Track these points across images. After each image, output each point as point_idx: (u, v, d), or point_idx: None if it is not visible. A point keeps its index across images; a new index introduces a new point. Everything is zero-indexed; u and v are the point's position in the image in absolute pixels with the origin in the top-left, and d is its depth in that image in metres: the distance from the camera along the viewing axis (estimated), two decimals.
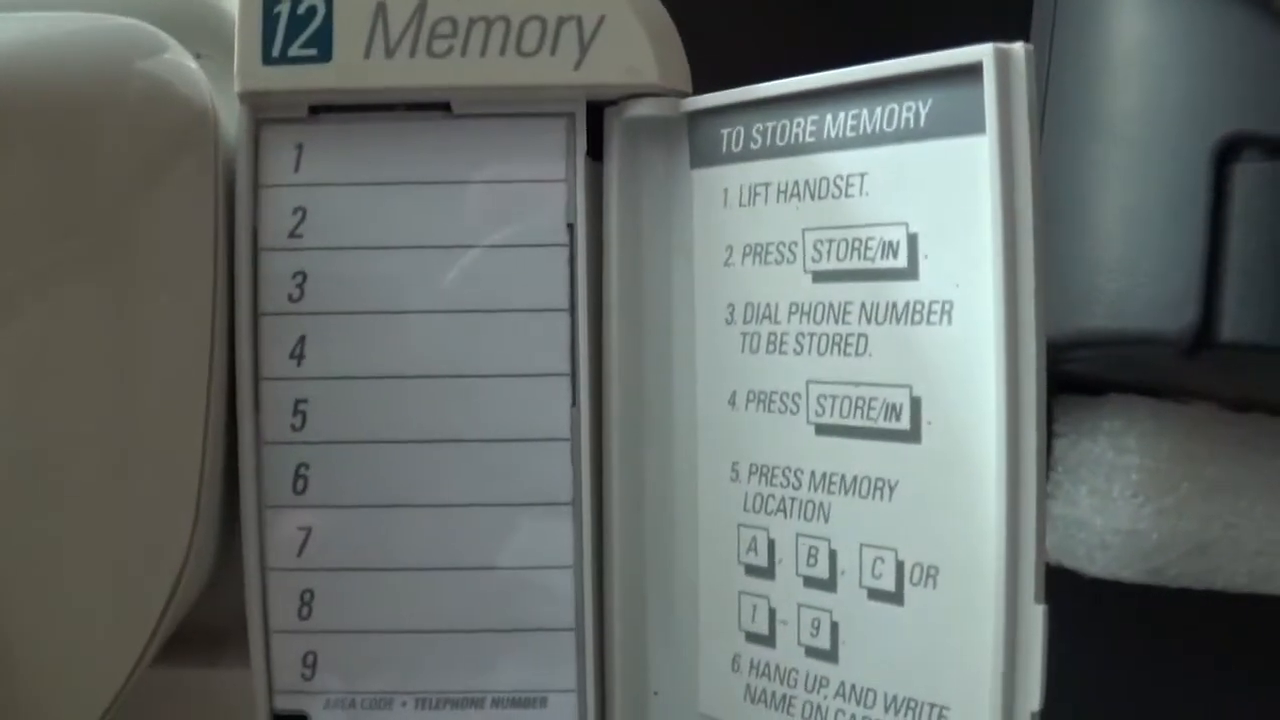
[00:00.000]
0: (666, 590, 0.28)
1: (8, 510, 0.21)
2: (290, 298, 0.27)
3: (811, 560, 0.25)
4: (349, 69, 0.26)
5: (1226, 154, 0.29)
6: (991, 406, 0.23)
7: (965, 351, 0.23)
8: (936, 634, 0.24)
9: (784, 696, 0.26)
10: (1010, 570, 0.22)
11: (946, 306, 0.23)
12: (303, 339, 0.27)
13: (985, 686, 0.23)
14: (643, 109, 0.26)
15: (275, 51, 0.26)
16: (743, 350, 0.26)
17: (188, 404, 0.26)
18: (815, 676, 0.25)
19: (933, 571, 0.24)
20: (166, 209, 0.25)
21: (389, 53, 0.26)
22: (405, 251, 0.27)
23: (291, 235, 0.27)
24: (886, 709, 0.24)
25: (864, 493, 0.25)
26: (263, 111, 0.26)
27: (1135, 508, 0.34)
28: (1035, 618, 0.22)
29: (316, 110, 0.27)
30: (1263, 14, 0.29)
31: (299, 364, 0.27)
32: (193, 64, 0.26)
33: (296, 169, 0.27)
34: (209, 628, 0.28)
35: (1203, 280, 0.29)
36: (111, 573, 0.24)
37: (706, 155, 0.26)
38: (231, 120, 0.27)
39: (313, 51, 0.26)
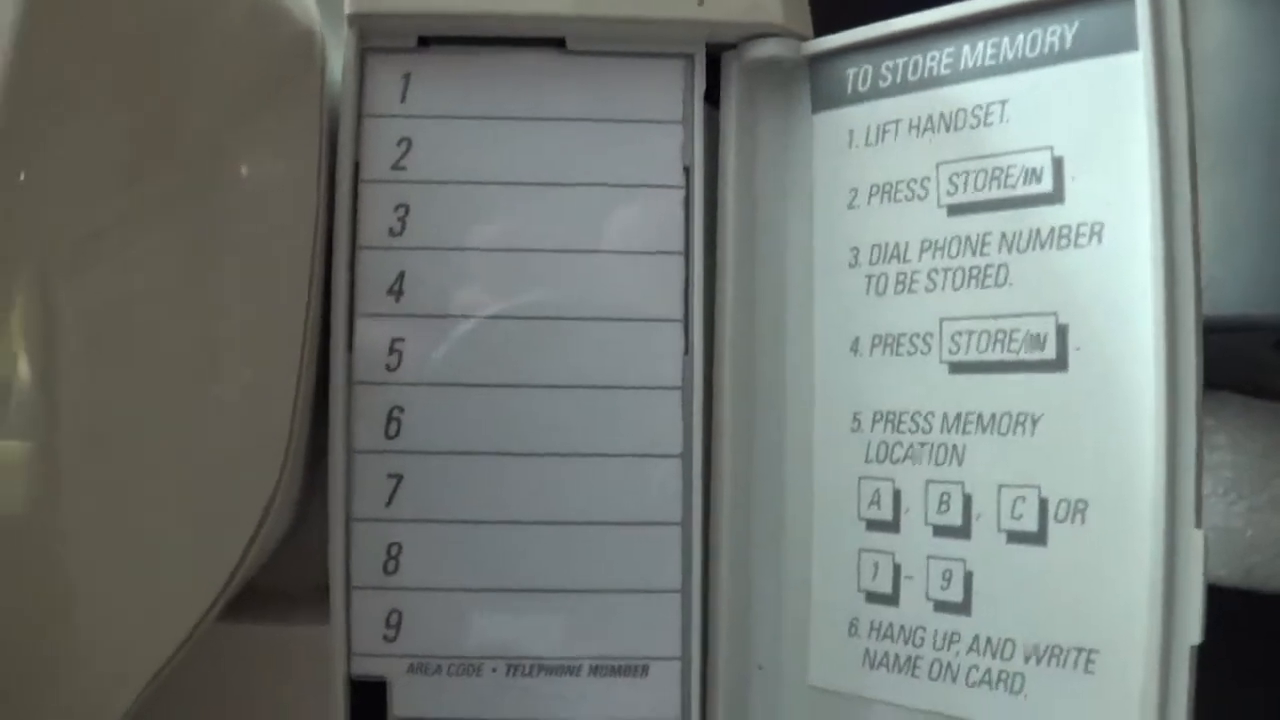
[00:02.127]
0: (775, 553, 0.27)
1: (89, 452, 0.20)
2: (391, 231, 0.26)
3: (943, 507, 0.25)
4: None
5: None
6: (1145, 328, 0.23)
7: (1117, 272, 0.23)
8: (1084, 573, 0.23)
9: (909, 658, 0.25)
10: (1170, 495, 0.22)
11: (1096, 228, 0.23)
12: (402, 275, 0.26)
13: (1139, 623, 0.22)
14: (765, 49, 0.26)
15: None
16: (867, 293, 0.26)
17: (283, 344, 0.25)
18: (945, 632, 0.25)
19: (1081, 506, 0.23)
20: (270, 139, 0.25)
21: None
22: (513, 188, 0.27)
23: (395, 167, 0.26)
24: (1027, 658, 0.24)
25: (1004, 430, 0.24)
26: (370, 39, 0.26)
27: (1227, 505, 0.33)
28: (1196, 543, 0.22)
29: (425, 42, 0.27)
30: None
31: (398, 300, 0.26)
32: None
33: (403, 99, 0.27)
34: (284, 585, 0.27)
35: None
36: (192, 520, 0.23)
37: (830, 98, 0.27)
38: (333, 51, 0.27)
39: None
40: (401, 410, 0.26)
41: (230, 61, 0.24)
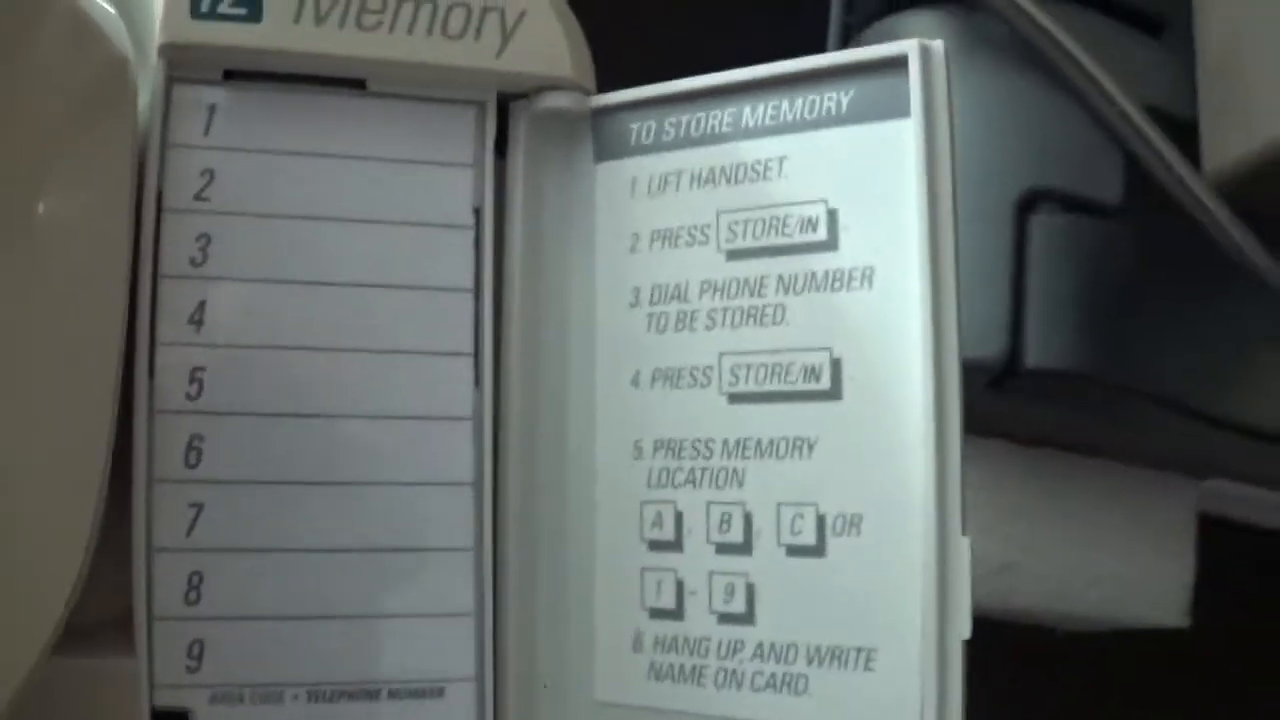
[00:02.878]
0: (560, 577, 0.29)
1: None
2: (192, 261, 0.27)
3: (724, 527, 0.27)
4: (277, 31, 0.27)
5: (1026, 207, 0.34)
6: (913, 360, 0.26)
7: (886, 311, 0.26)
8: (861, 579, 0.26)
9: (694, 668, 0.27)
10: (940, 506, 0.25)
11: (868, 272, 0.26)
12: (203, 304, 0.27)
13: (913, 623, 0.25)
14: (554, 101, 0.29)
15: (204, 7, 0.27)
16: (649, 330, 0.28)
17: (96, 378, 0.25)
18: (730, 642, 0.27)
19: (856, 520, 0.26)
20: (82, 170, 0.25)
21: (319, 20, 0.27)
22: (312, 222, 0.28)
23: (197, 198, 0.27)
24: (810, 660, 0.26)
25: (781, 453, 0.27)
26: (178, 69, 0.27)
27: None
28: (964, 549, 0.25)
29: (231, 76, 0.27)
30: (1054, 85, 0.34)
31: (198, 330, 0.27)
32: (110, 7, 0.26)
33: (207, 132, 0.27)
34: (83, 616, 0.26)
35: (1009, 316, 0.34)
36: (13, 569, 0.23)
37: (613, 149, 0.29)
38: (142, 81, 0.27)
39: (243, 11, 0.27)
40: (202, 439, 0.27)
41: (44, 90, 0.24)
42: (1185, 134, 0.35)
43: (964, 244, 0.27)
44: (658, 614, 0.28)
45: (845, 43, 0.39)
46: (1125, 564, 0.39)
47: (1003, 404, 0.32)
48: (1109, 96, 0.34)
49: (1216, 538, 0.41)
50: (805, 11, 0.42)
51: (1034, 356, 0.34)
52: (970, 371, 0.28)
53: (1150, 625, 0.40)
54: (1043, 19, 0.35)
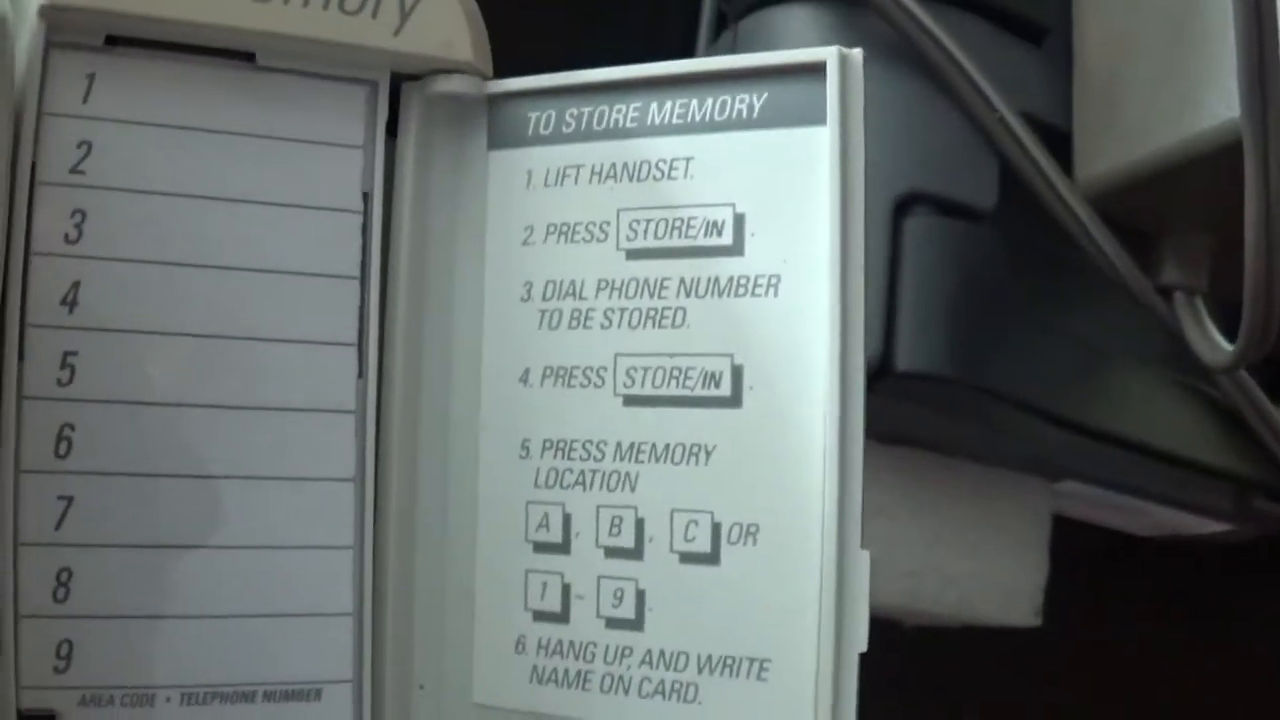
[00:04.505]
0: (439, 576, 0.29)
1: None
2: (67, 238, 0.26)
3: (615, 530, 0.27)
4: None
5: (901, 209, 0.35)
6: (816, 371, 0.26)
7: (791, 321, 0.27)
8: (756, 589, 0.27)
9: (579, 672, 0.28)
10: (841, 518, 0.26)
11: (774, 280, 0.27)
12: (77, 285, 0.26)
13: (808, 634, 0.26)
14: (449, 85, 0.28)
15: None
16: (540, 327, 0.28)
17: None
18: (617, 648, 0.27)
19: (753, 529, 0.27)
20: None
21: None
22: (194, 200, 0.27)
23: (74, 170, 0.26)
24: (700, 669, 0.27)
25: (677, 459, 0.27)
26: (57, 33, 0.26)
27: None
28: (863, 562, 0.26)
29: (113, 42, 0.26)
30: (933, 88, 0.35)
31: (71, 311, 0.26)
32: None
33: (85, 100, 0.26)
34: None
35: (883, 319, 0.34)
36: None
37: (508, 137, 0.29)
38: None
39: None
40: (72, 428, 0.26)
41: None
42: (1060, 143, 0.36)
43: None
44: (541, 617, 0.28)
45: (718, 33, 0.40)
46: (980, 563, 0.40)
47: (868, 404, 0.32)
48: (987, 100, 0.35)
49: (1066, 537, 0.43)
50: None
51: (905, 360, 0.35)
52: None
53: (1001, 624, 0.41)
54: (925, 19, 0.35)
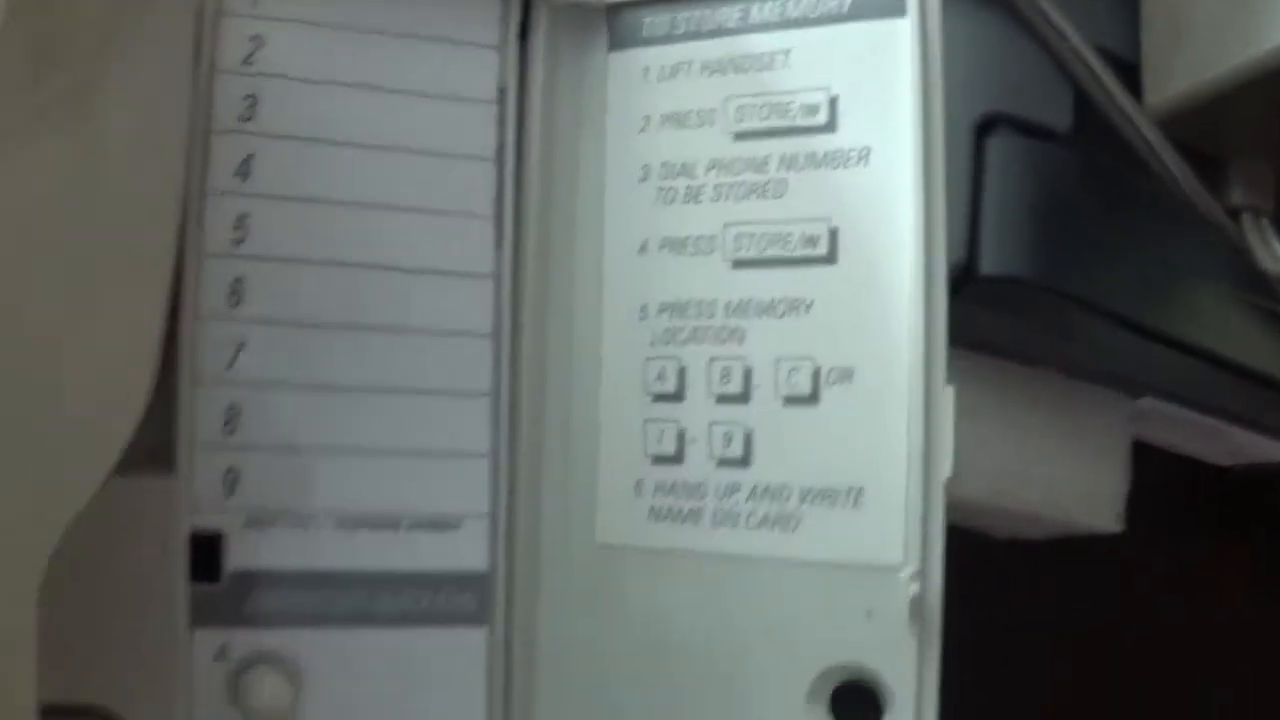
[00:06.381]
0: (566, 427, 0.32)
1: None
2: (240, 118, 0.30)
3: (725, 379, 0.31)
4: None
5: (983, 129, 0.38)
6: (904, 229, 0.30)
7: (880, 186, 0.30)
8: (852, 425, 0.30)
9: (692, 510, 0.31)
10: (928, 356, 0.29)
11: (864, 152, 0.30)
12: (250, 158, 0.30)
13: (900, 463, 0.29)
14: None
15: None
16: (655, 204, 0.32)
17: (160, 234, 0.28)
18: (727, 484, 0.31)
19: (848, 372, 0.30)
20: (146, 43, 0.27)
21: None
22: (349, 89, 0.31)
23: (245, 61, 0.30)
24: (802, 500, 0.30)
25: (780, 313, 0.31)
26: None
27: None
28: (948, 396, 0.29)
29: None
30: (1010, 22, 0.38)
31: (244, 180, 0.30)
32: None
33: (255, 3, 0.30)
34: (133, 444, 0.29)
35: (967, 228, 0.38)
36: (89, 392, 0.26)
37: (626, 39, 0.33)
38: None
39: None
40: (242, 281, 0.30)
41: None
42: (1130, 74, 0.40)
43: None
44: (659, 460, 0.31)
45: None
46: (1062, 467, 0.43)
47: (954, 311, 0.36)
48: (1061, 32, 0.39)
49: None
50: None
51: (989, 264, 0.38)
52: None
53: (1085, 530, 0.44)
54: None
